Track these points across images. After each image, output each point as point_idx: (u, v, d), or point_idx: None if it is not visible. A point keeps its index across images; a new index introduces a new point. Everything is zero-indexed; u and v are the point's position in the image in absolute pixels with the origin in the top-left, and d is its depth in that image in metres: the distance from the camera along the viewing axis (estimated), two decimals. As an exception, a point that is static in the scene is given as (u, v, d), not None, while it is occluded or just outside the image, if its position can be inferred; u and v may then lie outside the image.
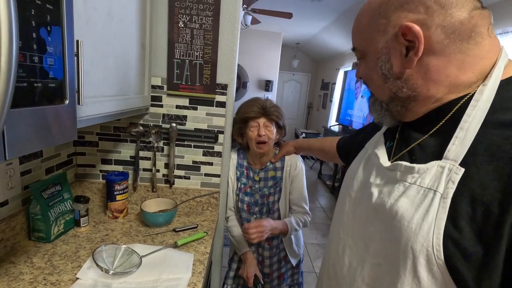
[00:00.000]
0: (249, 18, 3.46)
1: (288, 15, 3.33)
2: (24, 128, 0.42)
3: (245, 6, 3.15)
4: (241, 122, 1.18)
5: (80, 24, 0.63)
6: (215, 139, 1.22)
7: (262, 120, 1.15)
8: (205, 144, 1.23)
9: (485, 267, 0.36)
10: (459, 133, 0.43)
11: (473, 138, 0.41)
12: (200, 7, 1.09)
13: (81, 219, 1.02)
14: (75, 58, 0.56)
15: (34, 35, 0.43)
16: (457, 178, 0.40)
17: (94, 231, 1.03)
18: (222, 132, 1.22)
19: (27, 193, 0.94)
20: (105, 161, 1.23)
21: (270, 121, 1.16)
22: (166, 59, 1.13)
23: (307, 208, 1.23)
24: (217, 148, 1.23)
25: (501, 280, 0.36)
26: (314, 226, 3.06)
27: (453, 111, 0.46)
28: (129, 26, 0.89)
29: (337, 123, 4.86)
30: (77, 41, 0.56)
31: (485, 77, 0.44)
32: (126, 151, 1.23)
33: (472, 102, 0.43)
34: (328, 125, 5.51)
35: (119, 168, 1.24)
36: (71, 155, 1.19)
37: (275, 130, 1.18)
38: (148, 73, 1.09)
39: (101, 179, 1.24)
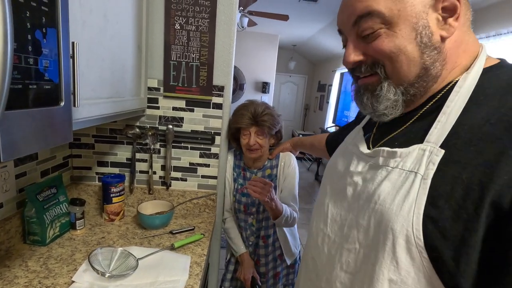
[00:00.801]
0: (246, 20, 3.47)
1: (285, 17, 3.34)
2: (19, 130, 0.42)
3: (241, 8, 3.16)
4: (234, 128, 1.17)
5: (75, 26, 0.63)
6: (212, 141, 1.22)
7: (253, 129, 1.13)
8: (202, 146, 1.23)
9: (464, 244, 0.36)
10: (441, 117, 0.44)
11: (454, 122, 0.42)
12: (197, 9, 1.10)
13: (76, 221, 1.01)
14: (71, 60, 0.56)
15: (29, 37, 0.43)
16: (437, 159, 0.41)
17: (90, 234, 1.03)
18: (219, 134, 1.22)
19: (22, 196, 0.93)
20: (101, 163, 1.23)
21: (262, 129, 1.13)
22: (163, 61, 1.13)
23: (296, 207, 1.22)
24: (214, 149, 1.23)
25: (480, 258, 0.36)
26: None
27: (437, 97, 0.47)
28: (125, 28, 0.89)
29: (333, 124, 4.89)
30: (73, 43, 0.56)
31: (469, 67, 0.46)
32: (122, 153, 1.22)
33: (455, 88, 0.45)
34: (325, 127, 5.53)
35: (116, 170, 1.23)
36: (67, 157, 1.18)
37: (268, 137, 1.16)
38: (144, 75, 1.09)
39: (97, 182, 1.24)
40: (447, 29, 0.44)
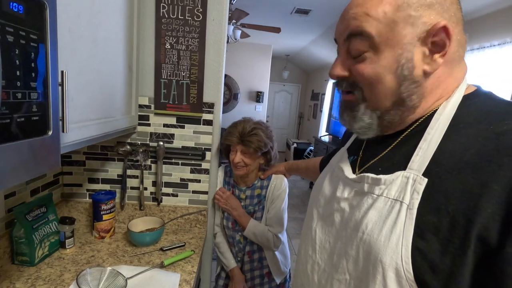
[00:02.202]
0: (239, 32, 3.53)
1: (277, 30, 3.41)
2: (5, 164, 0.43)
3: (234, 21, 3.22)
4: (225, 144, 1.19)
5: (65, 54, 0.64)
6: (203, 157, 1.23)
7: (239, 148, 1.14)
8: (193, 162, 1.24)
9: (453, 279, 0.36)
10: (422, 144, 0.44)
11: (435, 149, 0.42)
12: (186, 29, 1.13)
13: (66, 240, 1.01)
14: (60, 87, 0.58)
15: (17, 73, 0.44)
16: (421, 188, 0.41)
17: (80, 253, 1.03)
18: (209, 150, 1.24)
19: (11, 216, 0.93)
20: (92, 180, 1.23)
21: (247, 148, 1.12)
22: (154, 79, 1.16)
23: (282, 230, 1.19)
24: (204, 165, 1.25)
25: None
26: (305, 237, 3.07)
27: (417, 123, 0.48)
28: (115, 49, 0.91)
29: (327, 133, 4.94)
30: (62, 72, 0.58)
31: (449, 95, 0.47)
32: (113, 169, 1.23)
33: (436, 116, 0.45)
34: (319, 135, 5.58)
35: (107, 187, 1.24)
36: (58, 175, 1.18)
37: (255, 157, 1.16)
38: (135, 93, 1.11)
39: (88, 199, 1.24)
40: (431, 64, 0.44)
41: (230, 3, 3.18)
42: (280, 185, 1.21)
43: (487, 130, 0.40)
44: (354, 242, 0.47)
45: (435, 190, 0.40)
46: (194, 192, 1.27)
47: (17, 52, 0.44)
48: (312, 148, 5.42)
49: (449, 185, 0.39)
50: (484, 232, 0.35)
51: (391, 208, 0.43)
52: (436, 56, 0.44)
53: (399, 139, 0.50)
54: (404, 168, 0.44)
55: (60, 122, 0.59)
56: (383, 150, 0.51)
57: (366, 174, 0.49)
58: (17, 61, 0.44)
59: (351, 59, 0.49)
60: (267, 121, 6.96)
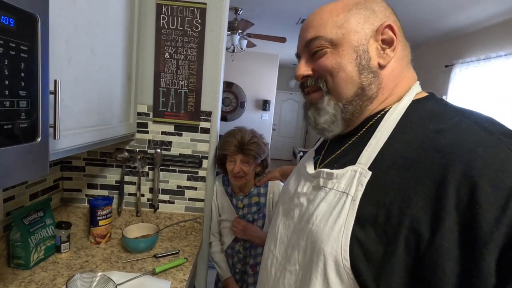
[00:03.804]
0: (245, 42, 3.58)
1: (282, 40, 3.45)
2: (-10, 169, 0.45)
3: (240, 31, 3.27)
4: (221, 154, 1.20)
5: (61, 64, 0.67)
6: (199, 164, 1.24)
7: (239, 157, 1.15)
8: (190, 169, 1.25)
9: (384, 267, 0.38)
10: (372, 141, 0.47)
11: (381, 146, 0.46)
12: (185, 39, 1.16)
13: (62, 245, 1.03)
14: (52, 96, 0.60)
15: (6, 82, 0.47)
16: (365, 181, 0.43)
17: (74, 257, 1.04)
18: (206, 158, 1.25)
19: (9, 219, 0.96)
20: (91, 186, 1.26)
21: (247, 157, 1.14)
22: (152, 87, 1.18)
23: None
24: (201, 173, 1.26)
25: (404, 283, 0.37)
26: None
27: (372, 121, 0.52)
28: (114, 59, 0.94)
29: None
30: (55, 81, 0.60)
31: (401, 98, 0.51)
32: (111, 176, 1.25)
33: (386, 116, 0.49)
34: (325, 144, 5.55)
35: (105, 192, 1.26)
36: (58, 180, 1.21)
37: (253, 165, 1.18)
38: (134, 101, 1.14)
39: (86, 204, 1.26)
40: (384, 57, 0.50)
41: (237, 13, 3.24)
42: (278, 191, 1.22)
43: (427, 128, 0.43)
44: (305, 234, 0.49)
45: (377, 183, 0.42)
46: (190, 199, 1.27)
47: (6, 63, 0.46)
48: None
49: (388, 179, 0.42)
50: (416, 224, 0.37)
51: (338, 200, 0.45)
52: (388, 50, 0.50)
53: (355, 138, 0.53)
54: (355, 163, 0.47)
55: (52, 130, 0.61)
56: (340, 148, 0.55)
57: (322, 169, 0.52)
58: (5, 71, 0.46)
59: (312, 60, 0.54)
60: (273, 129, 6.98)
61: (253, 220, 1.22)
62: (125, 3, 0.97)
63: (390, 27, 0.49)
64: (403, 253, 0.37)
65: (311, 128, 0.58)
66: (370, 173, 0.43)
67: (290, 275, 0.52)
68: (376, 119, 0.51)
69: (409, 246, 0.37)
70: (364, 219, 0.41)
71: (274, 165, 1.32)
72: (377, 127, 0.48)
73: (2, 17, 0.45)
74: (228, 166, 1.17)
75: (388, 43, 0.50)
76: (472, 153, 0.36)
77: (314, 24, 0.53)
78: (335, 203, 0.45)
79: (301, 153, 6.00)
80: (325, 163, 0.55)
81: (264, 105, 5.87)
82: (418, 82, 0.53)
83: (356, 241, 0.41)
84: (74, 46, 0.72)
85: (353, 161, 0.48)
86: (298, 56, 0.58)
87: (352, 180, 0.45)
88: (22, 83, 0.50)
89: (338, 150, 0.55)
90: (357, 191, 0.43)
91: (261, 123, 5.83)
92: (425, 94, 0.52)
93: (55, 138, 0.62)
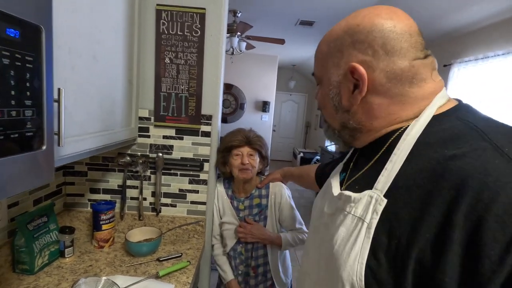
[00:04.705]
0: (244, 44, 3.60)
1: (281, 41, 3.47)
2: (-2, 177, 0.46)
3: (239, 33, 3.29)
4: (225, 151, 1.22)
5: (64, 72, 0.68)
6: (201, 168, 1.25)
7: (246, 149, 1.19)
8: (191, 173, 1.26)
9: None
10: (388, 165, 0.45)
11: (397, 171, 0.43)
12: (185, 44, 1.17)
13: (65, 249, 1.04)
14: (56, 104, 0.61)
15: (12, 92, 0.48)
16: (380, 208, 0.42)
17: (78, 262, 1.05)
18: (207, 161, 1.26)
19: (13, 225, 0.97)
20: (94, 190, 1.27)
21: (253, 150, 1.20)
22: (153, 92, 1.19)
23: (303, 227, 1.27)
24: (202, 176, 1.27)
25: None
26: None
27: (388, 143, 0.49)
28: (115, 65, 0.95)
29: (332, 143, 4.90)
30: (59, 89, 0.61)
31: (419, 114, 0.47)
32: (114, 180, 1.26)
33: (403, 136, 0.46)
34: (325, 144, 5.55)
35: (107, 197, 1.27)
36: (60, 185, 1.22)
37: (258, 160, 1.22)
38: (135, 106, 1.15)
39: (89, 208, 1.27)
40: (351, 100, 0.50)
41: (235, 16, 3.26)
42: (280, 192, 1.25)
43: (441, 154, 0.40)
44: (326, 255, 0.50)
45: (390, 211, 0.42)
46: (192, 202, 1.28)
47: (12, 74, 0.47)
48: (318, 157, 5.39)
49: (400, 207, 0.41)
50: (422, 256, 0.36)
51: (355, 226, 0.45)
52: (356, 92, 0.49)
53: (376, 157, 0.51)
54: (371, 188, 0.46)
55: (56, 137, 0.62)
56: (363, 167, 0.53)
57: (343, 192, 0.52)
58: (12, 82, 0.47)
59: None
60: (273, 131, 6.99)
61: (254, 222, 1.23)
62: (126, 10, 0.99)
63: (353, 68, 0.47)
64: (411, 283, 0.37)
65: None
66: (385, 201, 0.43)
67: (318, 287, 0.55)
68: (395, 137, 0.48)
69: (415, 279, 0.37)
70: (377, 248, 0.41)
71: (275, 166, 1.34)
72: (394, 147, 0.46)
73: (7, 29, 0.46)
74: (235, 161, 1.19)
75: (358, 84, 0.48)
76: (482, 184, 0.34)
77: (315, 55, 0.57)
78: (352, 228, 0.46)
79: (301, 154, 6.01)
80: (349, 183, 0.55)
81: (263, 106, 5.89)
82: (439, 94, 0.48)
83: (369, 270, 0.41)
84: (77, 54, 0.73)
85: (370, 185, 0.46)
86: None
87: (368, 206, 0.44)
88: (28, 93, 0.51)
89: (361, 170, 0.53)
90: (372, 219, 0.43)
91: (261, 124, 5.84)
92: (451, 104, 0.48)
93: (59, 145, 0.63)
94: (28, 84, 0.51)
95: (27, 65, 0.50)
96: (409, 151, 0.44)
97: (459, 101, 0.50)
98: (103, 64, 0.87)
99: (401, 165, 0.44)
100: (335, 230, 0.49)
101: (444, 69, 2.75)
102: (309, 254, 0.62)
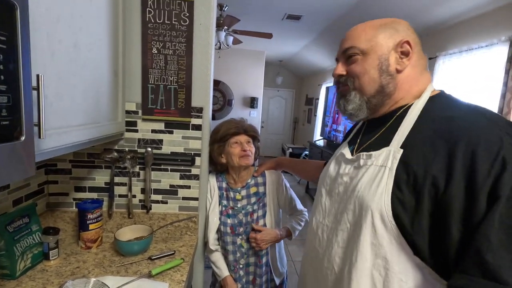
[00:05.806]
0: (231, 39, 3.54)
1: (268, 35, 3.43)
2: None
3: (226, 27, 3.23)
4: (222, 141, 1.18)
5: (43, 58, 0.63)
6: (192, 162, 1.21)
7: (243, 137, 1.20)
8: (182, 168, 1.22)
9: (416, 213, 0.54)
10: (400, 128, 0.62)
11: (408, 131, 0.61)
12: (173, 34, 1.12)
13: (50, 251, 0.97)
14: (36, 92, 0.56)
15: (-16, 75, 0.43)
16: (398, 156, 0.59)
17: (64, 264, 0.99)
18: (199, 155, 1.22)
19: (-9, 228, 0.90)
20: (79, 189, 1.20)
21: (250, 137, 1.22)
22: (141, 84, 1.14)
23: (302, 208, 1.32)
24: (194, 171, 1.23)
25: (429, 224, 0.52)
26: (301, 242, 3.03)
27: (397, 115, 0.67)
28: (99, 55, 0.90)
29: (321, 137, 4.94)
30: (37, 76, 0.56)
31: (419, 96, 0.66)
32: (100, 177, 1.20)
33: (410, 111, 0.64)
34: (314, 139, 5.59)
35: (94, 195, 1.21)
36: (42, 184, 1.15)
37: (254, 148, 1.23)
38: (121, 99, 1.09)
39: (74, 208, 1.21)
40: (401, 64, 0.66)
41: (222, 9, 3.20)
42: (277, 179, 1.27)
43: (440, 117, 0.59)
44: (352, 199, 0.64)
45: (408, 156, 0.58)
46: (184, 198, 1.24)
47: (-17, 54, 0.42)
48: (307, 152, 5.42)
49: (415, 152, 0.57)
50: (435, 180, 0.52)
51: (378, 172, 0.60)
52: (404, 59, 0.66)
53: (384, 128, 0.68)
54: (388, 145, 0.62)
55: (36, 128, 0.57)
56: (372, 137, 0.70)
57: (361, 153, 0.67)
58: (-17, 63, 0.42)
59: (347, 64, 0.71)
60: (262, 127, 6.97)
61: (253, 211, 1.20)
62: (109, -5, 0.93)
63: (407, 42, 0.65)
64: (428, 202, 0.52)
65: (341, 113, 0.74)
66: (401, 150, 0.58)
67: (342, 233, 0.66)
68: (401, 112, 0.66)
69: (430, 196, 0.52)
70: (400, 182, 0.56)
71: (264, 162, 1.33)
72: (403, 118, 0.64)
73: (-24, 4, 0.41)
74: (234, 149, 1.17)
75: (405, 54, 0.65)
76: (473, 135, 0.51)
77: (351, 37, 0.69)
78: (375, 174, 0.60)
79: (290, 149, 6.02)
80: (361, 149, 0.71)
81: (251, 102, 5.85)
82: (432, 83, 0.69)
83: (395, 197, 0.56)
84: (56, 39, 0.67)
85: (386, 145, 0.62)
86: (337, 60, 0.74)
87: (388, 156, 0.60)
88: (2, 77, 0.46)
89: (371, 139, 0.70)
90: (393, 163, 0.58)
91: (250, 120, 5.75)
92: (437, 91, 0.67)
93: (40, 137, 0.58)
94: (1, 67, 0.46)
95: (0, 45, 0.45)
96: (415, 118, 0.62)
97: (442, 91, 0.68)
98: (85, 53, 0.81)
99: (410, 127, 0.61)
100: (358, 180, 0.64)
101: (430, 62, 2.80)
102: (324, 211, 0.75)
